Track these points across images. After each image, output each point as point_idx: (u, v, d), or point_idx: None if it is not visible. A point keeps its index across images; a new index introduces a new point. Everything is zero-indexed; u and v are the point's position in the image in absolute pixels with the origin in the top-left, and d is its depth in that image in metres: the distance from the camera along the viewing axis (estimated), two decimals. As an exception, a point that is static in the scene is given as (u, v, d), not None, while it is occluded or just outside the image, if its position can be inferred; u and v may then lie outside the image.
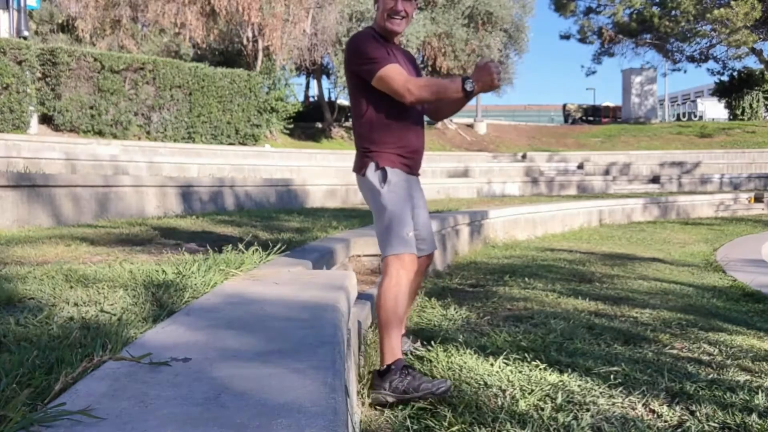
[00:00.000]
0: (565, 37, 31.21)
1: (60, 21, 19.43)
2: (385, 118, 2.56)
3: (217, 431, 1.04)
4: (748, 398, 2.42)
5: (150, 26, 18.33)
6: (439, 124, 25.47)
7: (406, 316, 2.76)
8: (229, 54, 19.69)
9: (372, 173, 2.55)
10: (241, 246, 2.88)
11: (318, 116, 22.56)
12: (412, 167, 2.65)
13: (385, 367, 2.38)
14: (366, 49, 2.50)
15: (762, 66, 27.61)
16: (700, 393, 2.48)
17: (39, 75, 12.06)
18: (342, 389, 1.31)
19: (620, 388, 2.51)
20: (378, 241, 2.60)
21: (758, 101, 27.42)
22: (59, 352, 1.51)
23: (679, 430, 2.19)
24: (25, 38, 12.85)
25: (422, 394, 2.28)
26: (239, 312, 1.89)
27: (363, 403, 2.34)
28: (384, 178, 2.52)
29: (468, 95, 2.45)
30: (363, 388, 2.51)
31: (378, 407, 2.32)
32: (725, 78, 29.12)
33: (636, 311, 4.01)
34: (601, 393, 2.46)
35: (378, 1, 2.58)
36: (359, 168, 2.63)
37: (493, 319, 3.66)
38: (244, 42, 17.98)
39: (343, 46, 19.34)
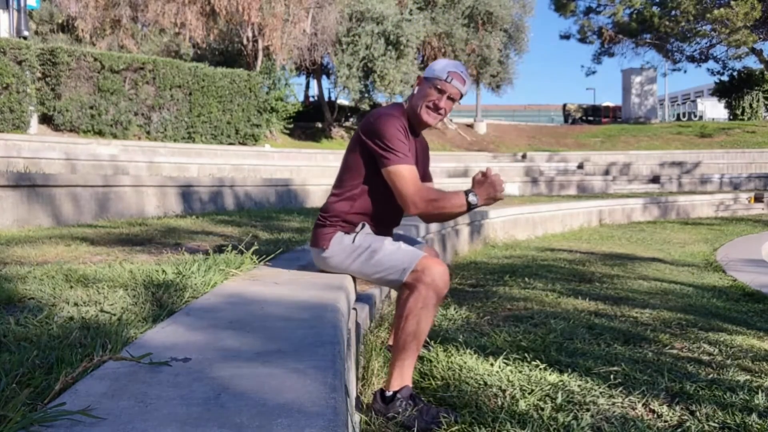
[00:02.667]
0: (565, 37, 31.26)
1: (60, 21, 19.45)
2: (370, 204, 2.45)
3: (217, 431, 1.04)
4: (748, 398, 2.42)
5: (150, 26, 18.34)
6: (440, 125, 25.49)
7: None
8: (229, 54, 19.70)
9: (339, 239, 2.43)
10: (241, 246, 2.88)
11: (318, 116, 22.58)
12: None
13: (390, 393, 2.25)
14: (391, 135, 2.35)
15: (762, 66, 27.63)
16: (700, 393, 2.48)
17: (39, 75, 12.07)
18: (342, 389, 1.31)
19: (620, 388, 2.50)
20: (385, 283, 2.43)
21: (758, 101, 27.45)
22: (59, 352, 1.51)
23: (679, 430, 2.19)
24: (25, 38, 12.86)
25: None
26: (239, 312, 1.89)
27: (363, 404, 2.34)
28: (356, 232, 2.43)
29: (470, 209, 2.39)
30: (363, 388, 2.50)
31: (377, 411, 2.31)
32: (725, 78, 29.15)
33: (636, 311, 4.01)
34: (601, 393, 2.46)
35: (420, 86, 2.47)
36: (321, 240, 2.47)
37: (493, 319, 3.67)
38: (244, 42, 17.99)
39: (343, 46, 19.42)
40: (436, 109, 2.43)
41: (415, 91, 2.49)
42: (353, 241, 2.42)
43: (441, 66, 2.46)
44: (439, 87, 2.41)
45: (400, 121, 2.42)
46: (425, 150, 2.67)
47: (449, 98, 2.43)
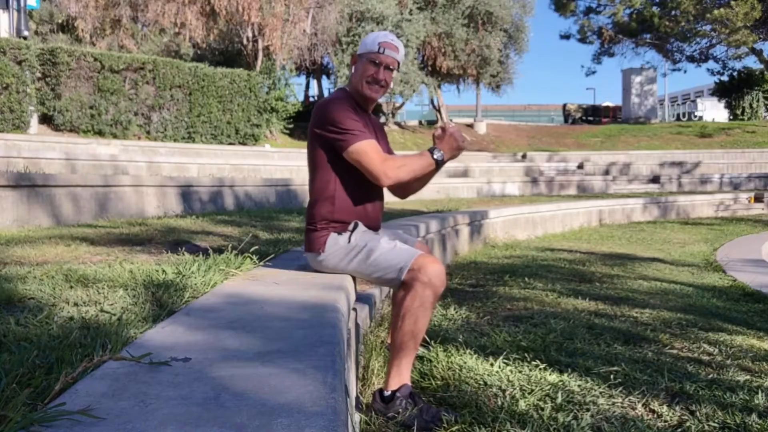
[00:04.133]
0: (565, 37, 31.25)
1: (60, 21, 19.44)
2: (349, 197, 2.44)
3: (217, 431, 1.04)
4: (748, 398, 2.42)
5: (150, 26, 18.33)
6: (439, 124, 25.45)
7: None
8: (229, 54, 19.70)
9: (334, 241, 2.41)
10: (241, 246, 2.88)
11: (318, 116, 22.53)
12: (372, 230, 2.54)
13: (389, 392, 2.26)
14: (341, 117, 2.35)
15: (762, 66, 27.64)
16: (700, 393, 2.48)
17: (39, 75, 12.07)
18: (342, 389, 1.31)
19: (620, 388, 2.51)
20: (383, 283, 2.41)
21: (758, 101, 27.45)
22: (59, 352, 1.51)
23: (679, 430, 2.19)
24: (25, 38, 12.86)
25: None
26: (239, 312, 1.89)
27: (363, 403, 2.34)
28: (349, 232, 2.41)
29: (439, 165, 2.40)
30: (363, 388, 2.51)
31: (377, 410, 2.31)
32: (725, 78, 29.16)
33: (636, 311, 4.01)
34: (601, 393, 2.46)
35: (356, 65, 2.47)
36: (315, 244, 2.44)
37: (493, 319, 3.67)
38: (244, 42, 17.99)
39: (343, 46, 19.41)
40: (376, 81, 2.43)
41: (353, 71, 2.50)
42: (349, 241, 2.41)
43: (371, 39, 2.46)
44: (374, 60, 2.42)
45: (346, 101, 2.43)
46: (380, 127, 2.66)
47: (387, 68, 2.44)
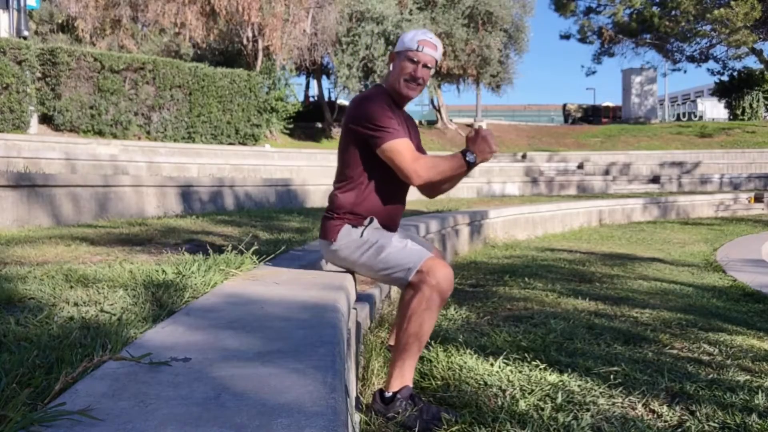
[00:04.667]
0: (565, 37, 31.26)
1: (60, 21, 19.44)
2: (374, 192, 2.43)
3: (217, 431, 1.04)
4: (748, 398, 2.42)
5: (150, 26, 18.33)
6: (439, 124, 25.49)
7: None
8: (229, 54, 19.70)
9: (347, 232, 2.41)
10: (241, 246, 2.88)
11: (318, 116, 22.58)
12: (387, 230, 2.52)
13: (390, 394, 2.25)
14: (378, 114, 2.35)
15: (762, 66, 27.64)
16: (700, 393, 2.48)
17: (39, 75, 12.07)
18: (342, 389, 1.31)
19: (620, 388, 2.51)
20: (390, 281, 2.39)
21: (758, 101, 27.45)
22: (59, 352, 1.51)
23: (679, 430, 2.19)
24: (25, 38, 12.86)
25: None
26: (239, 312, 1.89)
27: (363, 404, 2.34)
28: (364, 226, 2.40)
29: (470, 168, 2.39)
30: (363, 388, 2.50)
31: (377, 411, 2.31)
32: (725, 78, 29.17)
33: (636, 311, 4.01)
34: (601, 393, 2.46)
35: (394, 63, 2.46)
36: (329, 233, 2.44)
37: (493, 319, 3.67)
38: (244, 42, 17.99)
39: (343, 46, 19.41)
40: (414, 80, 2.43)
41: (391, 68, 2.49)
42: (361, 235, 2.40)
43: (410, 37, 2.45)
44: (412, 58, 2.41)
45: (383, 97, 2.43)
46: (414, 125, 2.65)
47: (424, 66, 2.43)
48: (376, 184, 2.44)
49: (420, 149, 2.58)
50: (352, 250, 2.42)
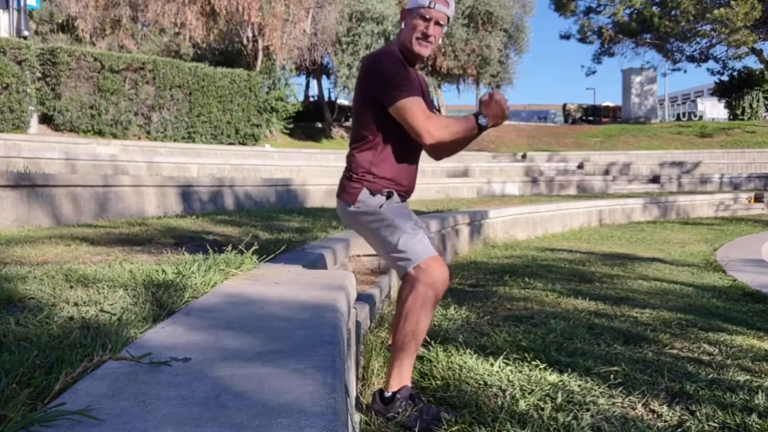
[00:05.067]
0: (565, 37, 31.27)
1: (60, 21, 19.44)
2: (391, 152, 2.40)
3: (217, 431, 1.04)
4: (748, 398, 2.42)
5: (150, 26, 18.34)
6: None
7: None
8: (229, 54, 19.70)
9: (366, 198, 2.37)
10: (241, 246, 2.88)
11: (318, 116, 22.58)
12: (404, 199, 2.51)
13: (390, 394, 2.26)
14: (391, 73, 2.32)
15: (762, 66, 27.64)
16: (700, 393, 2.48)
17: (39, 75, 12.07)
18: (342, 389, 1.31)
19: (620, 388, 2.50)
20: (392, 263, 2.37)
21: (758, 101, 27.45)
22: (59, 352, 1.51)
23: (679, 430, 2.19)
24: (25, 38, 12.85)
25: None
26: (239, 312, 1.89)
27: (363, 404, 2.34)
28: (382, 198, 2.37)
29: (481, 130, 2.36)
30: (363, 388, 2.50)
31: (377, 411, 2.31)
32: (725, 78, 29.17)
33: (636, 311, 4.01)
34: (601, 393, 2.46)
35: (405, 20, 2.42)
36: (347, 194, 2.42)
37: (493, 319, 3.67)
38: (244, 42, 17.99)
39: (343, 46, 19.41)
40: (425, 37, 2.39)
41: (402, 26, 2.45)
42: (381, 207, 2.37)
43: None
44: (424, 15, 2.37)
45: (395, 56, 2.40)
46: (426, 85, 2.60)
47: (437, 24, 2.39)
48: (391, 144, 2.41)
49: (430, 109, 2.53)
50: (367, 218, 2.39)
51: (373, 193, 2.38)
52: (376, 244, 2.43)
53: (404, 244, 2.30)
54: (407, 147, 2.43)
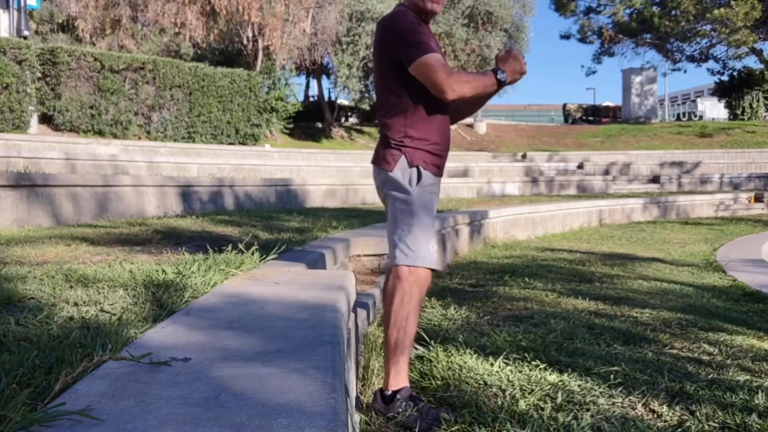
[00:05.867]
0: (565, 37, 31.24)
1: (60, 21, 19.44)
2: (423, 110, 2.35)
3: (217, 431, 1.04)
4: (748, 398, 2.42)
5: (150, 26, 18.34)
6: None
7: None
8: (229, 54, 19.69)
9: (402, 169, 2.31)
10: (241, 246, 2.88)
11: (318, 116, 22.57)
12: (440, 168, 2.43)
13: (390, 393, 2.26)
14: (407, 31, 2.29)
15: (762, 66, 27.63)
16: (700, 393, 2.48)
17: (39, 75, 12.06)
18: (342, 389, 1.31)
19: (620, 388, 2.50)
20: (391, 246, 2.36)
21: (758, 101, 27.43)
22: (59, 351, 1.51)
23: (679, 430, 2.19)
24: (25, 38, 12.85)
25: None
26: (239, 312, 1.89)
27: (363, 404, 2.34)
28: (416, 178, 2.31)
29: (500, 86, 2.35)
30: (363, 388, 2.50)
31: (377, 410, 2.31)
32: (725, 78, 29.14)
33: (636, 311, 4.01)
34: (601, 393, 2.46)
35: None
36: (385, 161, 2.36)
37: (493, 319, 3.67)
38: (244, 42, 17.99)
39: (343, 46, 19.40)
40: None
41: None
42: (411, 183, 2.33)
43: None
44: None
45: (409, 14, 2.37)
46: (437, 43, 2.56)
47: None
48: (422, 103, 2.36)
49: None
50: (396, 195, 2.35)
51: (410, 164, 2.33)
52: (391, 222, 2.39)
53: (413, 243, 2.29)
54: (437, 103, 2.37)
